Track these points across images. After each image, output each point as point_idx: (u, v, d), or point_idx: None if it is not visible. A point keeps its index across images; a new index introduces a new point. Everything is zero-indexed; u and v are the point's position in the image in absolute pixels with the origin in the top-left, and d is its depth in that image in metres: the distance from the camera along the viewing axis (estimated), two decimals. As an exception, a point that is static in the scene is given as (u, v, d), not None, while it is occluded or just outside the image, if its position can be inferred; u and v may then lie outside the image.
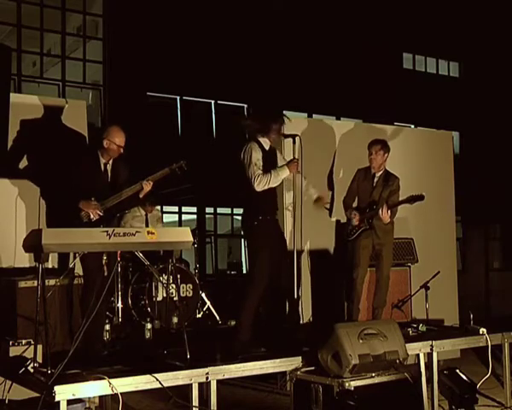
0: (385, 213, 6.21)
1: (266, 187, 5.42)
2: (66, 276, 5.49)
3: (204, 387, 4.70)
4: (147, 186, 5.43)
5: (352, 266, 6.43)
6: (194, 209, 19.08)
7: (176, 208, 18.47)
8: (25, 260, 5.81)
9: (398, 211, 6.58)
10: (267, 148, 5.59)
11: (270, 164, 5.52)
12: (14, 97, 6.22)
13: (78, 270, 5.61)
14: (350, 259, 6.49)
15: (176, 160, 5.56)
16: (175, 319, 6.67)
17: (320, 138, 7.27)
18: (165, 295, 7.12)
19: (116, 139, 5.42)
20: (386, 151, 6.43)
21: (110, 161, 5.50)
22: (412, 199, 6.22)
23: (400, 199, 6.34)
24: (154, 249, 5.89)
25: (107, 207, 5.37)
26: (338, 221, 7.24)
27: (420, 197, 6.19)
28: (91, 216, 5.29)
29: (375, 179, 6.45)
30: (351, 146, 7.29)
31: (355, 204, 6.59)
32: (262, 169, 5.45)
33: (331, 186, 7.28)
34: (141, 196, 5.50)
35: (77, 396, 4.05)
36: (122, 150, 5.46)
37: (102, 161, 5.47)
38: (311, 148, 6.71)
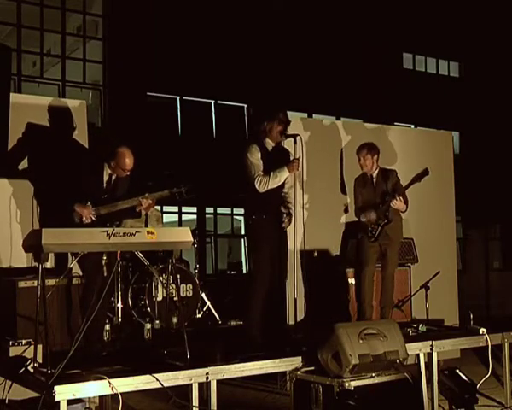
0: (399, 202, 6.24)
1: (266, 188, 5.43)
2: (66, 276, 5.48)
3: (204, 387, 4.69)
4: (144, 203, 5.43)
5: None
6: (194, 209, 19.07)
7: (176, 208, 18.46)
8: (22, 259, 5.82)
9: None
10: (270, 148, 5.58)
11: (275, 163, 5.51)
12: (14, 97, 6.22)
13: (78, 270, 5.62)
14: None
15: (178, 184, 5.57)
16: (175, 319, 6.66)
17: (320, 138, 7.26)
18: (165, 295, 7.11)
19: (125, 165, 5.42)
20: (375, 153, 6.43)
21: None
22: (418, 177, 6.27)
23: (407, 183, 6.34)
24: (154, 249, 5.88)
25: (100, 213, 5.36)
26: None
27: (424, 172, 6.24)
28: (83, 218, 5.28)
29: (374, 179, 6.47)
30: (352, 146, 7.29)
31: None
32: (263, 170, 5.45)
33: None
34: (137, 210, 5.52)
35: (77, 396, 4.04)
36: (129, 172, 5.47)
37: (108, 170, 5.49)
38: (312, 148, 6.71)
